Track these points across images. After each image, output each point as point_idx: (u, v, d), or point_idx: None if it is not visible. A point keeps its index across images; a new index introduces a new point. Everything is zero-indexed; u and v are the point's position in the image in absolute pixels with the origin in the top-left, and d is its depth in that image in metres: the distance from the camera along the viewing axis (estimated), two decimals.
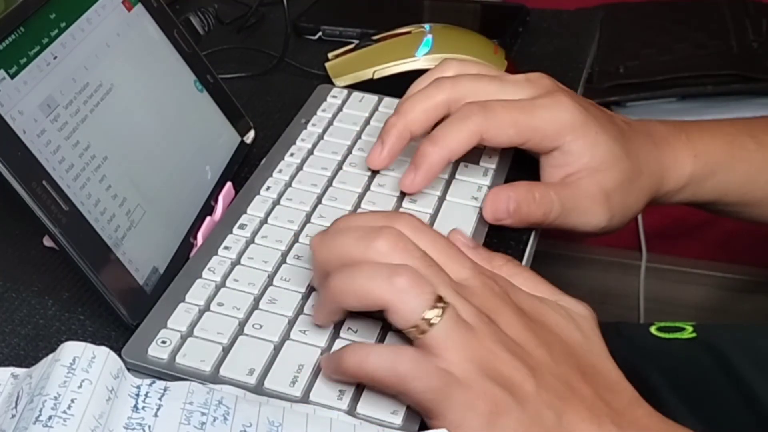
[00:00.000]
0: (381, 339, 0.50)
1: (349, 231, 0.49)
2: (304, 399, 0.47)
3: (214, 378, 0.48)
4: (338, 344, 0.50)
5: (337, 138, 0.67)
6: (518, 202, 0.59)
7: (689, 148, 0.65)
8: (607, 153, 0.60)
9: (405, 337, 0.46)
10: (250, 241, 0.57)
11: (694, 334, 0.76)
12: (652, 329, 0.78)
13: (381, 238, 0.47)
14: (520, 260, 0.59)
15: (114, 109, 0.56)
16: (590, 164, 0.60)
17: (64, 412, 0.43)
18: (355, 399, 0.47)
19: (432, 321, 0.45)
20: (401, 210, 0.60)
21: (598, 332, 0.51)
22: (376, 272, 0.46)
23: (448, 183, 0.62)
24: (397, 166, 0.64)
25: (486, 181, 0.63)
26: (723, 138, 0.67)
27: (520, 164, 0.65)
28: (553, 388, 0.46)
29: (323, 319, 0.50)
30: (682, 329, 0.77)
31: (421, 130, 0.60)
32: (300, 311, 0.52)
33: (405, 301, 0.45)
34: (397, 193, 0.61)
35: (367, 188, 0.62)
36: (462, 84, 0.61)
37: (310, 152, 0.65)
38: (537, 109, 0.60)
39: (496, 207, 0.59)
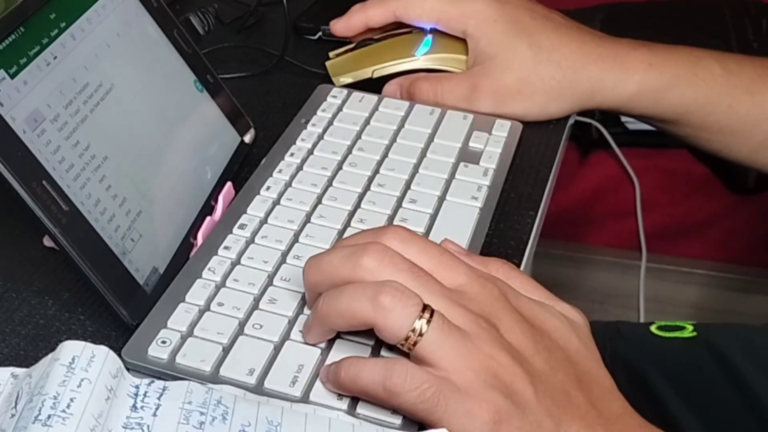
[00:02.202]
0: (381, 342, 0.50)
1: (336, 250, 0.49)
2: (304, 399, 0.47)
3: (214, 378, 0.48)
4: (338, 345, 0.50)
5: (337, 138, 0.67)
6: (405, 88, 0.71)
7: (645, 58, 0.69)
8: (503, 41, 0.69)
9: None
10: (250, 241, 0.57)
11: (694, 333, 0.76)
12: (653, 328, 0.78)
13: (367, 255, 0.47)
14: (520, 261, 0.59)
15: (114, 109, 0.56)
16: (486, 50, 0.69)
17: (64, 411, 0.43)
18: (355, 399, 0.47)
19: (422, 331, 0.45)
20: (401, 210, 0.60)
21: (592, 339, 0.51)
22: (359, 293, 0.46)
23: (448, 183, 0.63)
24: (397, 166, 0.64)
25: (486, 181, 0.63)
26: (687, 58, 0.70)
27: (521, 165, 0.65)
28: (552, 396, 0.46)
29: (315, 340, 0.50)
30: (683, 328, 0.77)
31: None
32: (300, 311, 0.52)
33: (390, 318, 0.45)
34: (398, 194, 0.61)
35: (367, 188, 0.62)
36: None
37: (310, 152, 0.65)
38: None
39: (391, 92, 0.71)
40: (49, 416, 0.42)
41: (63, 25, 0.54)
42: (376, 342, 0.49)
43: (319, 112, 0.70)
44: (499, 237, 0.60)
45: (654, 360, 0.76)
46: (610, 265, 1.64)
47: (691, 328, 0.77)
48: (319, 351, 0.49)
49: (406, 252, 0.48)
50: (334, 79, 0.75)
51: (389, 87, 0.73)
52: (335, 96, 0.71)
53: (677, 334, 0.77)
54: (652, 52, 0.70)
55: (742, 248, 1.59)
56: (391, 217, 0.59)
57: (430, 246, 0.49)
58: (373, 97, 0.71)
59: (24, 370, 0.48)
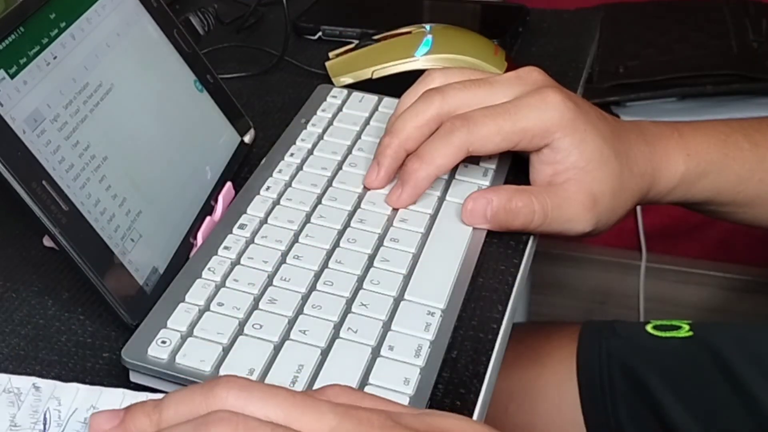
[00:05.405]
0: (381, 340, 0.50)
1: (177, 428, 0.40)
2: None
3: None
4: (338, 345, 0.50)
5: (337, 138, 0.67)
6: (497, 209, 0.59)
7: (682, 147, 0.65)
8: (595, 151, 0.60)
9: None
10: (250, 241, 0.57)
11: (690, 333, 0.77)
12: (649, 328, 0.78)
13: (214, 429, 0.39)
14: (520, 260, 0.59)
15: (114, 109, 0.56)
16: (578, 163, 0.60)
17: None
18: None
19: None
20: (400, 210, 0.60)
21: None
22: None
23: (448, 183, 0.63)
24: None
25: (486, 181, 0.63)
26: (717, 137, 0.66)
27: (521, 164, 0.65)
28: None
29: None
30: (679, 328, 0.77)
31: (416, 146, 0.60)
32: (300, 311, 0.52)
33: None
34: None
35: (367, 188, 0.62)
36: (451, 95, 0.60)
37: (310, 152, 0.65)
38: (522, 110, 0.59)
39: (473, 212, 0.59)
40: None
41: (63, 25, 0.54)
42: (377, 342, 0.50)
43: (319, 112, 0.70)
44: (498, 237, 0.60)
45: (650, 359, 0.76)
46: (610, 265, 1.64)
47: (687, 327, 0.77)
48: (319, 351, 0.49)
49: (249, 404, 0.40)
50: (334, 80, 0.75)
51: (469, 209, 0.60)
52: (335, 96, 0.71)
53: (673, 333, 0.77)
54: (684, 138, 0.65)
55: (742, 248, 1.59)
56: (391, 218, 0.59)
57: (275, 391, 0.41)
58: (373, 97, 0.71)
59: (46, 382, 0.47)
